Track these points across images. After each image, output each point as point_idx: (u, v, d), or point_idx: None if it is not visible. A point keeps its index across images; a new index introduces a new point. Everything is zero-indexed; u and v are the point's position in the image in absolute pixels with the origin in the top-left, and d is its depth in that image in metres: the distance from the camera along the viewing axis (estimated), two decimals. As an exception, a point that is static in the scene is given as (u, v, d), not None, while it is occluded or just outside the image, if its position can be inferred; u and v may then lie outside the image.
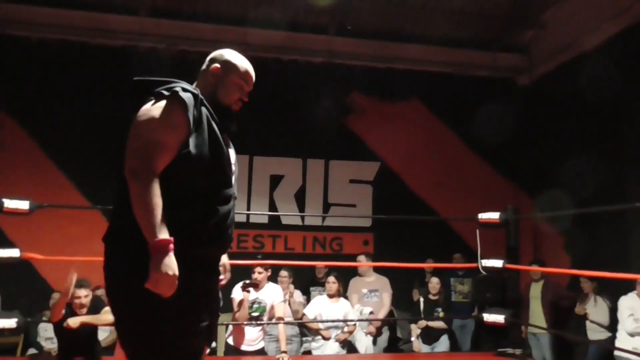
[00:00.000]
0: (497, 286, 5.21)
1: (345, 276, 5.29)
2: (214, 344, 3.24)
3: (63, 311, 3.49)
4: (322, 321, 4.64)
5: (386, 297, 5.44)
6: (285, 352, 4.14)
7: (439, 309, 5.39)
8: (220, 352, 4.83)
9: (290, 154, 6.87)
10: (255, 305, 4.34)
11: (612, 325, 4.89)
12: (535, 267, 5.31)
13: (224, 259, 1.91)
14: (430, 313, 5.31)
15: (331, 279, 4.83)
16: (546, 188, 6.25)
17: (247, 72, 1.79)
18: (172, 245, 1.47)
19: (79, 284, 3.61)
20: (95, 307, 3.64)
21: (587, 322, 5.13)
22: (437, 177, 7.06)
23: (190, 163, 1.56)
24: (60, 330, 3.49)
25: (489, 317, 3.99)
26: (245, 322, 4.25)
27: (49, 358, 4.83)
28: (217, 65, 1.76)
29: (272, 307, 4.39)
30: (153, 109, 1.57)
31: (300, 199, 6.87)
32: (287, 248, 6.71)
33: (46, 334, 5.09)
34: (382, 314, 5.36)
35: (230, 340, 4.35)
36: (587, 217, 5.59)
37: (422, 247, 6.19)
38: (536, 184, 6.88)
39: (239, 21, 6.40)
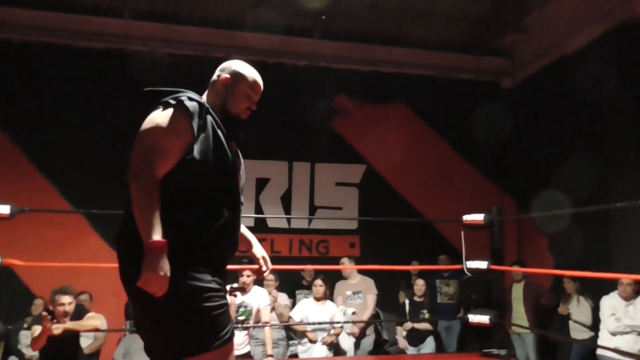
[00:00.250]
0: (482, 287, 5.24)
1: (332, 279, 5.29)
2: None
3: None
4: (309, 323, 4.64)
5: (370, 299, 5.44)
6: (271, 355, 4.13)
7: (425, 311, 5.42)
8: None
9: (276, 156, 6.86)
10: (242, 309, 4.31)
11: (595, 324, 4.94)
12: (516, 268, 5.37)
13: (262, 251, 2.01)
14: (415, 315, 5.33)
15: (318, 282, 4.85)
16: (530, 190, 6.32)
17: (255, 82, 1.87)
18: (165, 247, 1.52)
19: (62, 291, 3.55)
20: (77, 314, 3.57)
21: (570, 322, 5.19)
22: (423, 180, 7.11)
23: (195, 168, 1.64)
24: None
25: (474, 318, 4.01)
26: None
27: (31, 365, 4.75)
28: (227, 75, 1.84)
29: (258, 311, 4.37)
30: (159, 116, 1.66)
31: (286, 202, 6.86)
32: (273, 251, 6.67)
33: (27, 341, 4.96)
34: (365, 315, 5.36)
35: (216, 345, 4.31)
36: (570, 218, 5.67)
37: (408, 249, 6.20)
38: (520, 185, 6.97)
39: (224, 24, 6.37)
